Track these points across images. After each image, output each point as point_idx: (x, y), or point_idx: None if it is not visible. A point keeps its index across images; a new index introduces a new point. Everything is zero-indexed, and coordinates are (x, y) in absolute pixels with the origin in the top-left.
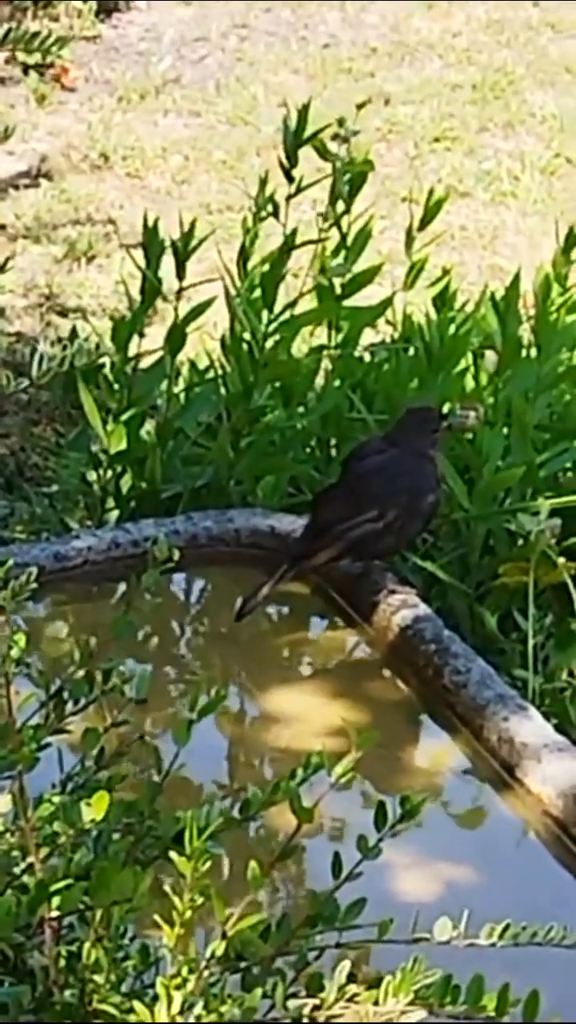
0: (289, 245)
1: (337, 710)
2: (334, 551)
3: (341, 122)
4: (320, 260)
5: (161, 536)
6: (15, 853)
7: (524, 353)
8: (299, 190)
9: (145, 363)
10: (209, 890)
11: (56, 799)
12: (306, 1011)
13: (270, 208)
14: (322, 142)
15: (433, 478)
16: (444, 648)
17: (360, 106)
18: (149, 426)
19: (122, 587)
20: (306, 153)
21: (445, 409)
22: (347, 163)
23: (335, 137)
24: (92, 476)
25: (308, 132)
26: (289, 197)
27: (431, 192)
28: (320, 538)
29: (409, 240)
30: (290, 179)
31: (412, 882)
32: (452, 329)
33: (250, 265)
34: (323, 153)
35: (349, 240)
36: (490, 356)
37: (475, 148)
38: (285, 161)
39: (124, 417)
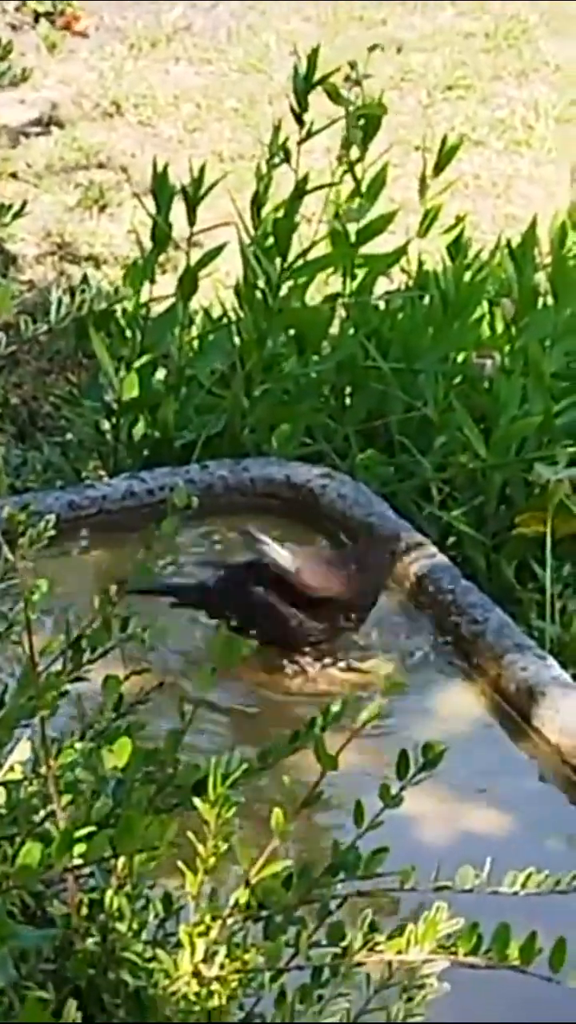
0: (301, 190)
1: (354, 660)
2: None
3: (352, 65)
4: (334, 205)
5: (180, 483)
6: (35, 801)
7: (540, 301)
8: (310, 135)
9: (158, 311)
10: (232, 837)
11: (78, 746)
12: (328, 959)
13: (283, 155)
14: (334, 86)
15: None
16: (461, 597)
17: (371, 49)
18: (162, 374)
19: (138, 536)
20: (322, 104)
21: None
22: (359, 108)
23: (347, 79)
24: (105, 425)
25: (318, 76)
26: (300, 141)
27: (445, 139)
28: None
29: (423, 187)
30: (301, 123)
31: (431, 832)
32: (468, 277)
33: (264, 212)
34: (335, 97)
35: (363, 187)
36: (506, 304)
37: (488, 97)
38: (296, 105)
39: (136, 364)
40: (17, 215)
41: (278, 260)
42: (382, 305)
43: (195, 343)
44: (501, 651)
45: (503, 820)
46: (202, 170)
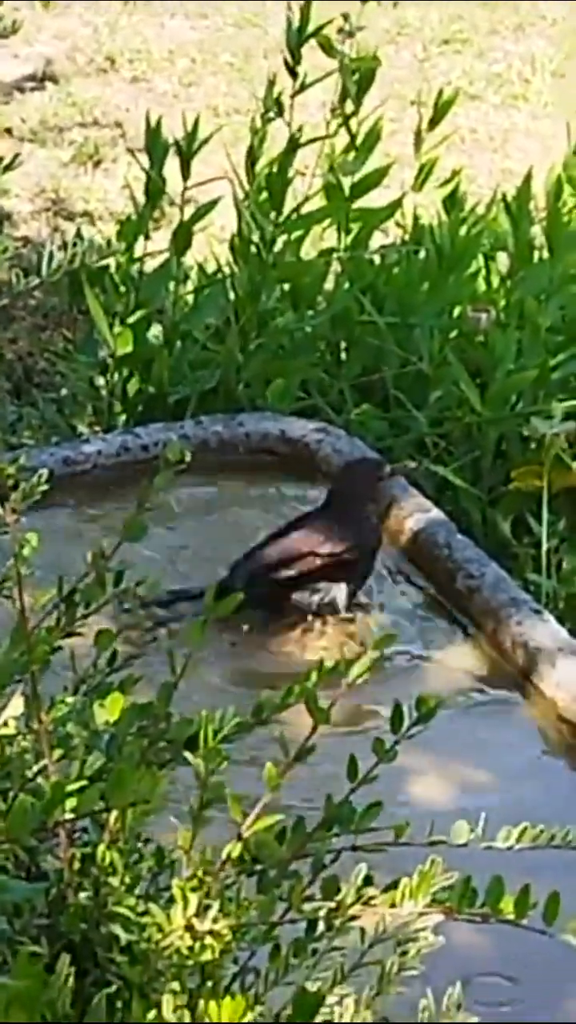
0: (295, 143)
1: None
2: None
3: (346, 17)
4: (329, 158)
5: (174, 439)
6: (28, 756)
7: (536, 255)
8: (303, 87)
9: (152, 266)
10: (224, 790)
11: (70, 700)
12: (322, 914)
13: (277, 109)
14: (327, 38)
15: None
16: (457, 552)
17: (364, 0)
18: (156, 330)
19: (132, 491)
20: (318, 58)
21: None
22: (353, 60)
23: (340, 32)
24: (100, 380)
25: (312, 29)
26: (294, 95)
27: (440, 92)
28: None
29: (418, 140)
30: (294, 76)
31: (427, 787)
32: (463, 231)
33: (258, 167)
34: (328, 49)
35: (358, 140)
36: (502, 258)
37: (485, 51)
38: (289, 58)
39: (131, 320)
40: (8, 168)
41: (272, 214)
42: (377, 259)
43: (189, 298)
44: (497, 606)
45: (498, 775)
46: (196, 124)
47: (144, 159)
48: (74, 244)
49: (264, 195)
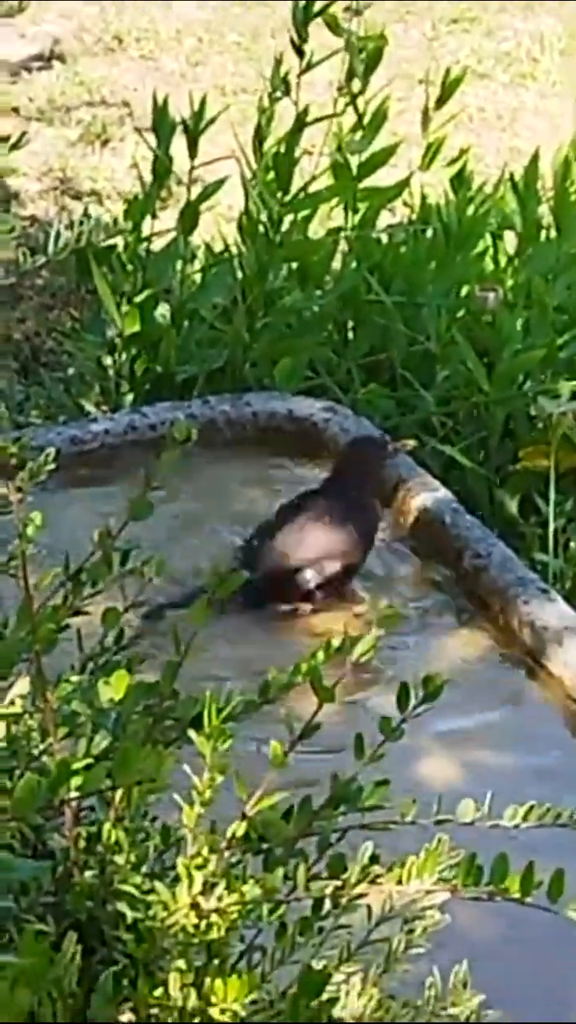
0: (302, 122)
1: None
2: None
3: None
4: (336, 137)
5: (181, 418)
6: (34, 735)
7: (544, 234)
8: (310, 66)
9: (159, 245)
10: (229, 769)
11: (75, 679)
12: (328, 892)
13: (284, 88)
14: (333, 16)
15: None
16: (464, 531)
17: None
18: (163, 309)
19: (139, 470)
20: (326, 38)
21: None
22: (361, 39)
23: (347, 10)
24: (107, 360)
25: (319, 7)
26: (300, 74)
27: (448, 71)
28: None
29: (426, 119)
30: (300, 55)
31: (434, 766)
32: (471, 210)
33: (265, 146)
34: (335, 28)
35: (365, 120)
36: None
37: (494, 29)
38: (296, 37)
39: (138, 299)
40: (15, 147)
41: (280, 194)
42: (385, 238)
43: (197, 277)
44: (504, 585)
45: (506, 754)
46: (203, 104)
47: (151, 138)
48: (81, 223)
49: (271, 174)
